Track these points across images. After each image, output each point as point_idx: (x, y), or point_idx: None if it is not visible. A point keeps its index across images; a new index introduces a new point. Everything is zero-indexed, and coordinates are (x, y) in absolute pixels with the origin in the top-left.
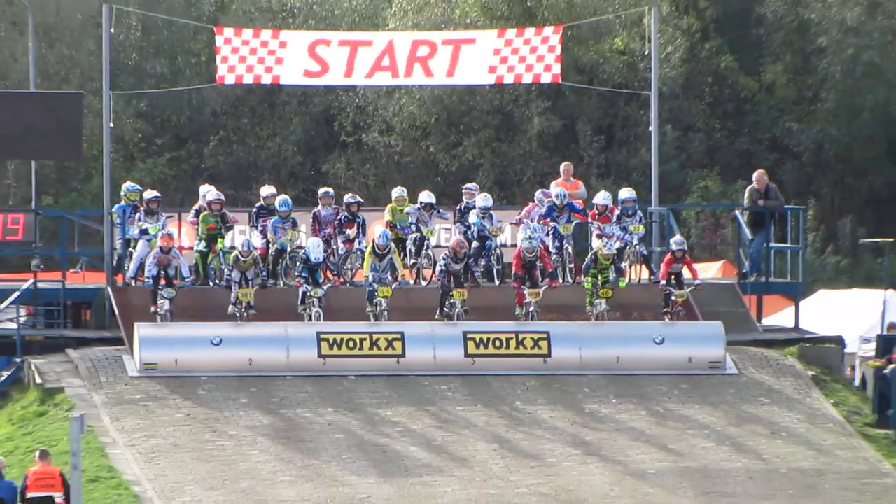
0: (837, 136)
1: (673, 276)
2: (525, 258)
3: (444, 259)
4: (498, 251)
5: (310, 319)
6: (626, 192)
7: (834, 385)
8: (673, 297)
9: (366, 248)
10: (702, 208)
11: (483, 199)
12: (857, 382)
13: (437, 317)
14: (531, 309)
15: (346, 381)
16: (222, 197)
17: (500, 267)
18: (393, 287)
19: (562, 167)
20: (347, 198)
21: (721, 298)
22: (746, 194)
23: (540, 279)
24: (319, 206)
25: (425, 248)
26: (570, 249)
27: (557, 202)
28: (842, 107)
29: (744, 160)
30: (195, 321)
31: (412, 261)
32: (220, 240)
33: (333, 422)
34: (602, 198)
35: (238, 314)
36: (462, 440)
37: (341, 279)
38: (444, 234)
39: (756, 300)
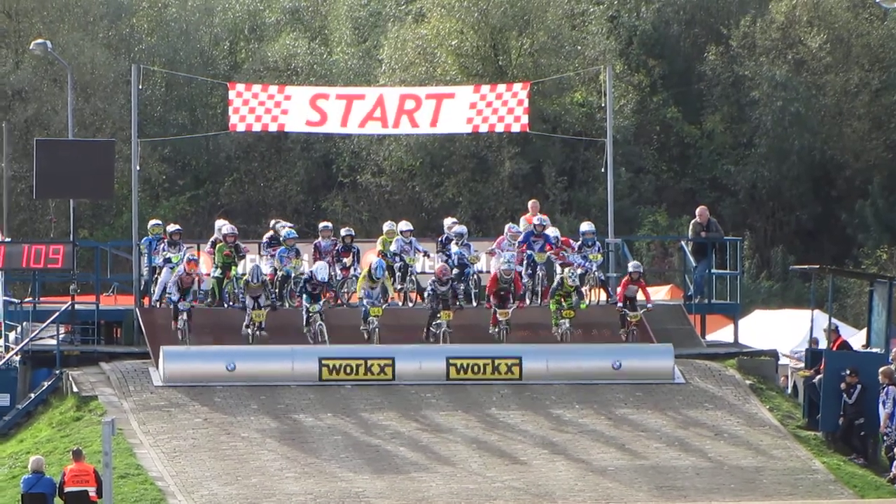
0: (769, 176)
1: (628, 301)
2: (502, 279)
3: (430, 284)
4: (475, 277)
5: (314, 339)
6: (586, 226)
7: (769, 393)
8: (628, 318)
9: (360, 273)
10: (652, 239)
11: (458, 227)
12: (789, 391)
13: (423, 336)
14: (503, 327)
15: (342, 389)
16: (236, 231)
17: (477, 290)
18: (383, 307)
19: (530, 203)
20: (344, 231)
21: (670, 317)
22: (691, 227)
23: (511, 300)
24: (320, 238)
25: (409, 274)
26: (541, 275)
27: (537, 230)
28: (772, 151)
29: (688, 197)
30: (212, 338)
31: (399, 286)
32: (233, 267)
33: (332, 425)
34: (552, 231)
35: (251, 333)
36: (444, 441)
37: (339, 300)
38: (428, 261)
39: (700, 319)
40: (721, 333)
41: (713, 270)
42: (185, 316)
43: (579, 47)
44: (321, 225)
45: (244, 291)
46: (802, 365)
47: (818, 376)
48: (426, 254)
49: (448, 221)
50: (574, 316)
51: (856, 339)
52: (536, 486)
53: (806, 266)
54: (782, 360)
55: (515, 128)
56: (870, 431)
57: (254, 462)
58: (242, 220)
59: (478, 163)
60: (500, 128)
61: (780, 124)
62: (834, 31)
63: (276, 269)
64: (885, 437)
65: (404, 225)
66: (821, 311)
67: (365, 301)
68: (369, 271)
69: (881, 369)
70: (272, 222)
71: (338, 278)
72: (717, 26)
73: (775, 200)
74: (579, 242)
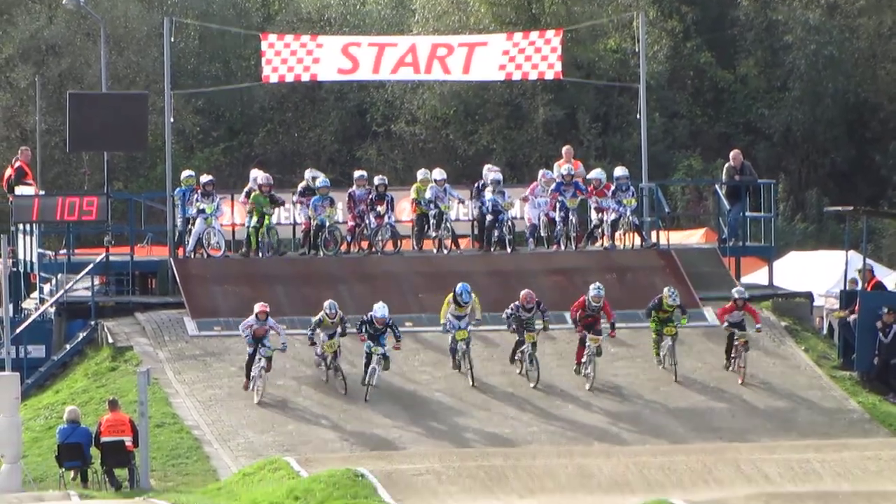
0: (803, 119)
1: (733, 325)
2: (589, 306)
3: (512, 309)
4: (510, 223)
5: (366, 382)
6: (620, 171)
7: (804, 334)
8: (736, 340)
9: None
10: (686, 183)
11: (494, 174)
12: (824, 331)
13: (510, 361)
14: (591, 354)
15: None
16: (271, 180)
17: (511, 237)
18: (469, 329)
19: (563, 150)
20: (377, 179)
21: (704, 261)
22: (724, 171)
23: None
24: (354, 187)
25: (444, 221)
26: (574, 220)
27: (566, 179)
28: (806, 94)
29: (722, 142)
30: (249, 288)
31: (433, 233)
32: (267, 217)
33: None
34: (596, 174)
35: (324, 366)
36: (480, 389)
37: (373, 248)
38: (462, 208)
39: (735, 262)
40: (756, 276)
41: (747, 213)
42: (262, 363)
43: None
44: (356, 174)
45: (315, 329)
46: (837, 306)
47: (853, 317)
48: (461, 201)
49: (487, 168)
50: (676, 333)
51: (890, 279)
52: (573, 429)
53: (840, 207)
54: (817, 302)
55: (549, 75)
56: None
57: (290, 409)
58: (277, 171)
59: (512, 110)
60: (533, 75)
61: (814, 67)
62: None
63: (310, 218)
64: None
65: (438, 173)
66: (855, 252)
67: (450, 328)
68: (454, 296)
69: None
70: (307, 172)
71: (372, 227)
72: None
73: (809, 143)
74: (613, 187)
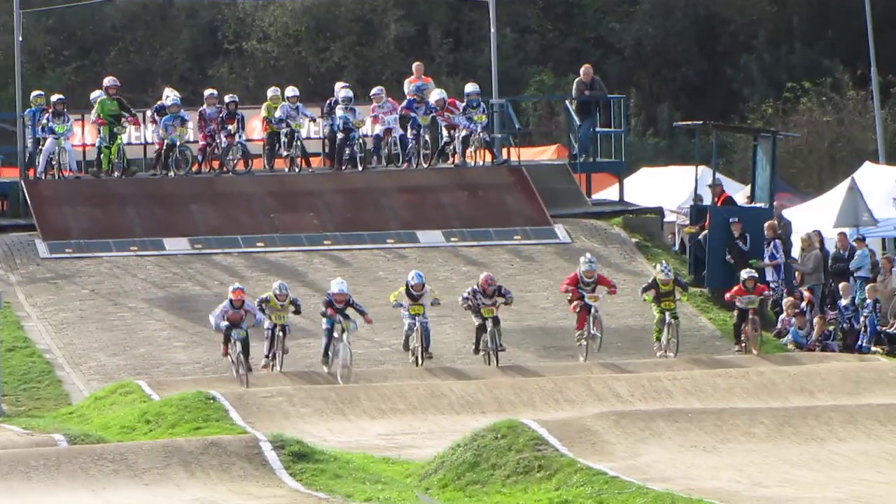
0: (654, 33)
1: (741, 311)
2: (583, 280)
3: (468, 293)
4: (361, 140)
5: (328, 366)
6: (470, 87)
7: (655, 250)
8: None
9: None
10: (537, 99)
11: (345, 92)
12: (676, 248)
13: (474, 352)
14: (594, 332)
15: (229, 258)
16: (118, 82)
17: (363, 154)
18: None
19: (414, 66)
20: (228, 98)
21: (555, 177)
22: (575, 86)
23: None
24: (205, 105)
25: (295, 139)
26: (426, 137)
27: (417, 96)
28: (657, 8)
29: (573, 57)
30: (100, 210)
31: (285, 152)
32: (118, 137)
33: (220, 294)
34: (436, 94)
35: (270, 364)
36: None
37: (224, 167)
38: (314, 126)
39: (586, 178)
40: (607, 192)
41: (597, 129)
42: (238, 347)
43: None
44: (206, 92)
45: (264, 312)
46: (688, 221)
47: (703, 232)
48: (312, 119)
49: (339, 86)
50: (675, 308)
51: (742, 193)
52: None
53: (690, 122)
54: (668, 217)
55: None
56: None
57: (141, 332)
58: (128, 90)
59: (363, 26)
60: None
61: None
62: None
63: (162, 138)
64: (770, 291)
65: (290, 90)
66: (706, 167)
67: (403, 313)
68: (407, 288)
69: (766, 224)
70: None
71: (222, 146)
72: None
73: (660, 57)
74: (464, 104)
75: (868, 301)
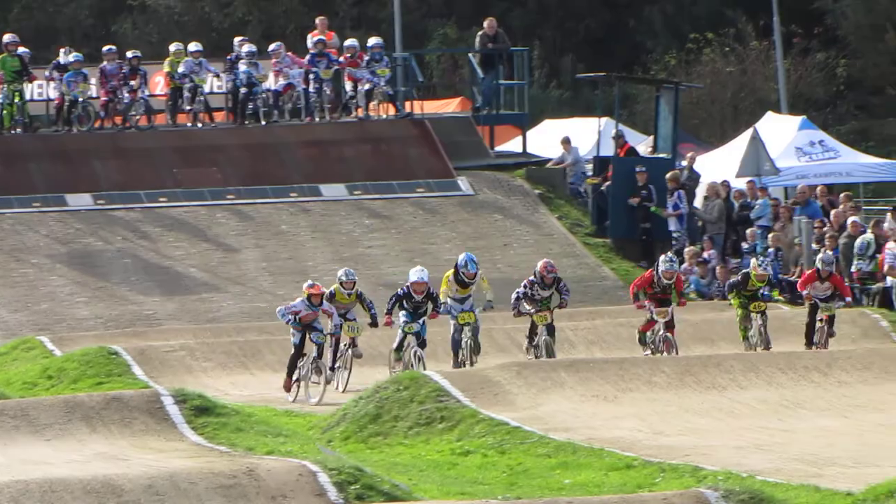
0: None
1: (814, 300)
2: (660, 283)
3: (525, 286)
4: (264, 95)
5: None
6: (373, 40)
7: (558, 201)
8: (820, 316)
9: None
10: (440, 52)
11: (248, 47)
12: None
13: (525, 352)
14: (660, 334)
15: (132, 213)
16: (17, 38)
17: (266, 109)
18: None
19: (318, 20)
20: (130, 53)
21: (458, 130)
22: (478, 39)
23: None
24: (105, 62)
25: (198, 94)
26: (328, 91)
27: (316, 49)
28: None
29: (477, 9)
30: (3, 167)
31: (188, 107)
32: (17, 95)
33: (122, 248)
34: (349, 43)
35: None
36: (234, 262)
37: (127, 123)
38: (217, 81)
39: (489, 130)
40: (511, 144)
41: (500, 81)
42: (315, 352)
43: None
44: (105, 48)
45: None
46: (591, 172)
47: (606, 183)
48: (216, 74)
49: (238, 40)
50: (765, 308)
51: (645, 144)
52: None
53: (593, 74)
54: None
55: None
56: (657, 237)
57: (44, 288)
58: (31, 47)
59: None
60: None
61: None
62: None
63: (63, 94)
64: (674, 242)
65: (193, 46)
66: (610, 118)
67: (453, 311)
68: (455, 272)
69: (668, 174)
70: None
71: (125, 101)
72: None
73: (564, 9)
74: (367, 57)
75: (770, 250)
